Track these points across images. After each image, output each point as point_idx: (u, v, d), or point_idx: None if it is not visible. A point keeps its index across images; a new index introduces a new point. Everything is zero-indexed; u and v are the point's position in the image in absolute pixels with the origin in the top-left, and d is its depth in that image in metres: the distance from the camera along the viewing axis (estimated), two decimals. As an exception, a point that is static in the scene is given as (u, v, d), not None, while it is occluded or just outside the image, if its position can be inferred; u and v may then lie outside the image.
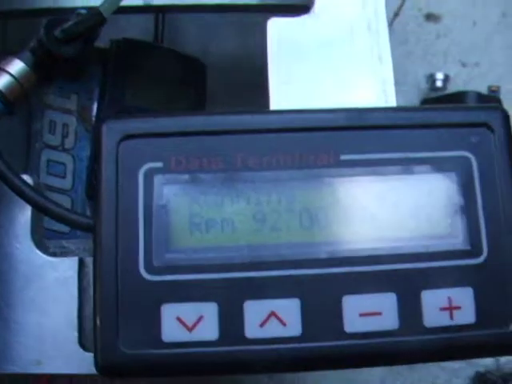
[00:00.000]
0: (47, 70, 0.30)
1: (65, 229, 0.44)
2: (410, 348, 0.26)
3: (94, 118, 0.47)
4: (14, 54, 0.30)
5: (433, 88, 0.63)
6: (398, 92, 0.65)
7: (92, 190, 0.41)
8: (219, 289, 0.26)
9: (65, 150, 0.46)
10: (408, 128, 0.27)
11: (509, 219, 0.27)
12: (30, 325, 0.31)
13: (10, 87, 0.31)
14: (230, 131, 0.27)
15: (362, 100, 0.32)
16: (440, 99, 0.61)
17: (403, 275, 0.26)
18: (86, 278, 0.31)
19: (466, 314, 0.26)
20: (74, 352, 0.31)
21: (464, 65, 0.65)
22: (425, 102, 0.62)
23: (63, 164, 0.46)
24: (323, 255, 0.26)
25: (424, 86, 0.65)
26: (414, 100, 0.65)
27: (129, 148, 0.27)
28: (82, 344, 0.31)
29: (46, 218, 0.47)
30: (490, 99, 0.60)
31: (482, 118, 0.28)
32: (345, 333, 0.26)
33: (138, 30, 0.51)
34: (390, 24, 0.64)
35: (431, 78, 0.64)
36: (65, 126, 0.47)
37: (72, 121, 0.47)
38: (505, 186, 0.27)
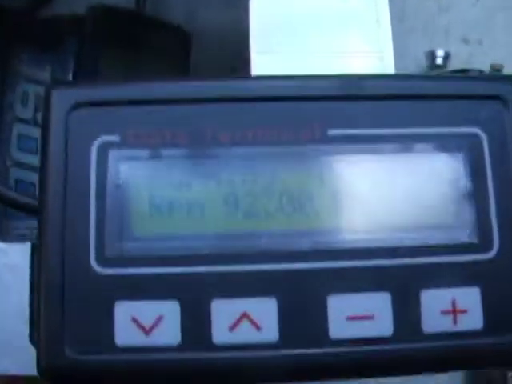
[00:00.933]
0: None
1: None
2: (406, 357, 0.22)
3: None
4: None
5: (433, 66, 0.60)
6: (396, 69, 0.61)
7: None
8: (182, 285, 0.22)
9: (37, 125, 0.43)
10: (408, 99, 0.23)
11: (524, 207, 0.23)
12: (-28, 317, 0.27)
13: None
14: (198, 99, 0.23)
15: (356, 69, 0.28)
16: (440, 78, 0.58)
17: (399, 272, 0.22)
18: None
19: (473, 319, 0.22)
20: (24, 349, 0.27)
21: (466, 42, 0.62)
22: (424, 80, 0.59)
23: (35, 139, 0.43)
24: (305, 247, 0.22)
25: (423, 63, 0.62)
26: (413, 78, 0.62)
27: (80, 118, 0.23)
28: (34, 340, 0.27)
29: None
30: (493, 78, 0.57)
31: (495, 90, 0.24)
32: (329, 339, 0.22)
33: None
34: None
35: (431, 56, 0.60)
36: (38, 98, 0.44)
37: (46, 93, 0.44)
38: (520, 168, 0.23)
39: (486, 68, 0.60)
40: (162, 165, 0.23)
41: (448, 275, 0.22)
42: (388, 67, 0.28)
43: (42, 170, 0.23)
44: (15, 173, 0.43)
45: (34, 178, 0.42)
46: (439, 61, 0.59)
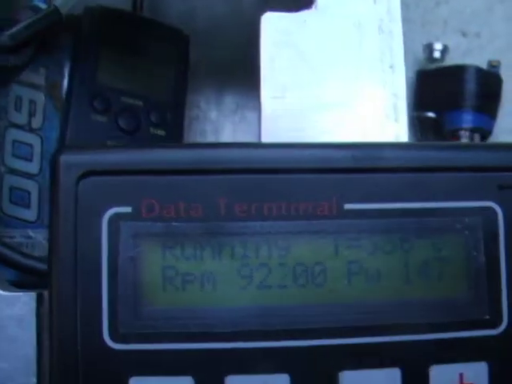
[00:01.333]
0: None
1: (31, 217, 0.40)
2: (415, 431, 0.23)
3: (64, 96, 0.42)
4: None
5: (430, 59, 0.59)
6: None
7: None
8: (196, 361, 0.22)
9: (32, 130, 0.42)
10: (424, 171, 0.23)
11: (534, 283, 0.23)
12: (-19, 369, 0.27)
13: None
14: (212, 170, 0.23)
15: (368, 116, 0.28)
16: (437, 71, 0.57)
17: (409, 348, 0.23)
18: (46, 315, 0.27)
19: (479, 393, 0.23)
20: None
21: (464, 34, 0.61)
22: (421, 73, 0.58)
23: (30, 145, 0.41)
24: (317, 323, 0.22)
25: (421, 55, 0.61)
26: (409, 70, 0.61)
27: (91, 187, 0.22)
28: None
29: (6, 205, 0.43)
30: (490, 75, 0.56)
31: (512, 161, 0.24)
32: (341, 414, 0.22)
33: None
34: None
35: (429, 49, 0.59)
36: (32, 102, 0.42)
37: (40, 98, 0.42)
38: (533, 244, 0.23)
39: (483, 61, 0.60)
40: (176, 238, 0.22)
41: (457, 351, 0.23)
42: (401, 115, 0.28)
43: (52, 240, 0.22)
44: (9, 180, 0.42)
45: (29, 185, 0.41)
46: (437, 54, 0.59)
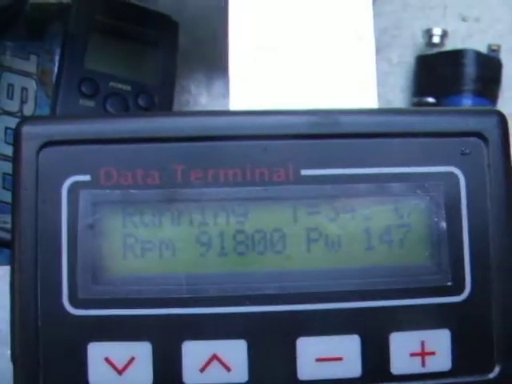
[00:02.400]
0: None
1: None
2: (374, 398, 0.23)
3: (54, 83, 0.43)
4: None
5: (429, 44, 0.58)
6: (392, 46, 0.60)
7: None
8: (154, 326, 0.22)
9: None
10: (383, 136, 0.23)
11: (499, 250, 0.23)
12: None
13: None
14: (168, 138, 0.23)
15: (338, 96, 0.27)
16: (436, 56, 0.56)
17: (369, 315, 0.22)
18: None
19: (441, 360, 0.22)
20: (5, 371, 0.28)
21: (464, 19, 0.60)
22: (420, 58, 0.57)
23: (23, 132, 0.43)
24: (275, 289, 0.22)
25: (420, 40, 0.61)
26: (409, 56, 0.61)
27: (51, 157, 0.23)
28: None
29: None
30: (490, 59, 0.56)
31: (475, 126, 0.23)
32: (298, 380, 0.22)
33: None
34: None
35: (428, 33, 0.59)
36: (24, 90, 0.44)
37: (32, 85, 0.44)
38: (497, 210, 0.23)
39: (483, 46, 0.59)
40: (134, 205, 0.23)
41: (418, 318, 0.22)
42: (371, 91, 0.28)
43: (13, 209, 0.23)
44: (3, 166, 0.43)
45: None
46: (436, 39, 0.58)
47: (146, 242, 0.23)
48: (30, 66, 0.44)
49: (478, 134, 0.23)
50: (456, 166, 0.23)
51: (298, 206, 0.23)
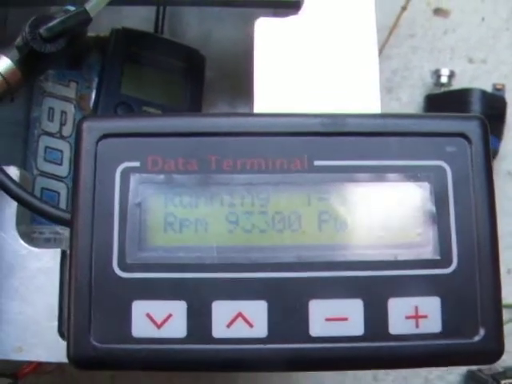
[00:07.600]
0: (33, 67, 0.31)
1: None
2: (375, 354, 0.26)
3: (91, 107, 0.48)
4: (1, 51, 0.31)
5: (438, 84, 0.63)
6: (402, 86, 0.64)
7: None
8: (189, 288, 0.26)
9: (62, 138, 0.48)
10: (383, 135, 0.28)
11: (481, 231, 0.27)
12: (12, 313, 0.31)
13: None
14: (205, 133, 0.28)
15: (347, 103, 0.32)
16: (444, 95, 0.60)
17: (371, 282, 0.26)
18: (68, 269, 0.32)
19: (432, 323, 0.26)
20: (53, 341, 0.32)
21: (470, 61, 0.64)
22: (429, 97, 0.62)
23: (60, 151, 0.47)
24: (291, 259, 0.27)
25: (429, 81, 0.65)
26: (418, 95, 0.65)
27: (107, 147, 0.28)
28: (62, 333, 0.32)
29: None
30: (495, 97, 0.59)
31: (459, 128, 0.28)
32: (310, 336, 0.26)
33: (139, 19, 0.51)
34: (398, 18, 0.63)
35: (436, 74, 0.63)
36: (63, 113, 0.48)
37: (70, 109, 0.48)
38: (479, 197, 0.27)
39: (489, 87, 0.63)
40: (175, 188, 0.27)
41: (412, 286, 0.26)
42: (374, 104, 0.32)
43: (74, 190, 0.27)
44: (41, 182, 0.47)
45: (58, 186, 0.47)
46: (444, 79, 0.62)
47: (183, 220, 0.27)
48: (70, 91, 0.48)
49: (462, 135, 0.28)
50: (444, 160, 0.27)
51: (312, 192, 0.27)
